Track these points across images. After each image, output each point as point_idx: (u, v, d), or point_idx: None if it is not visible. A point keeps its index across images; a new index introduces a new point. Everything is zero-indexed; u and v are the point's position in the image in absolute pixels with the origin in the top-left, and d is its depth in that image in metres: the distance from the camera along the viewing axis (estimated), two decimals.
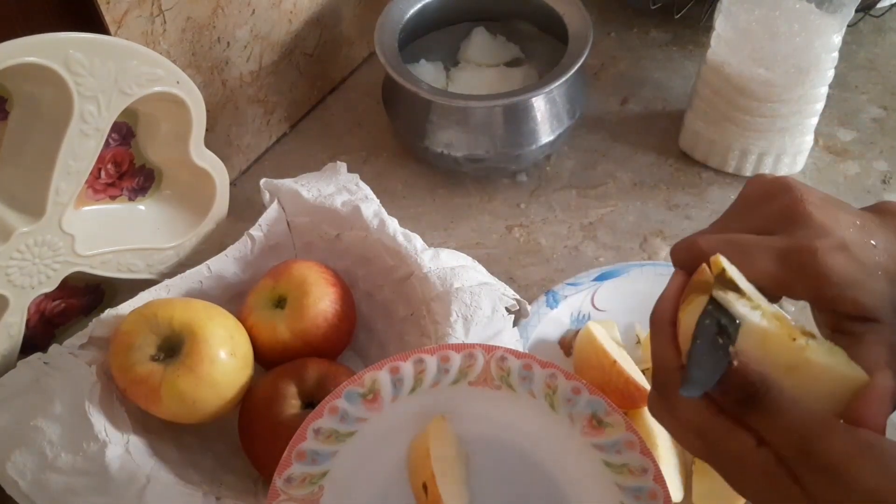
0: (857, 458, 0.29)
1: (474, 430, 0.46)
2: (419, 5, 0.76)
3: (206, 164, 0.60)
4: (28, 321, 0.56)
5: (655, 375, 0.37)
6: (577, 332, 0.62)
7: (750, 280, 0.36)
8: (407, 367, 0.47)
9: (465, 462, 0.45)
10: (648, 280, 0.63)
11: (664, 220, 0.72)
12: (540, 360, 0.47)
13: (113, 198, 0.60)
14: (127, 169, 0.59)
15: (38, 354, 0.52)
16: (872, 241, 0.36)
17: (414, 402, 0.46)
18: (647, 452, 0.43)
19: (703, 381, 0.32)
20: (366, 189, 0.62)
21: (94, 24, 0.56)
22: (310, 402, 0.52)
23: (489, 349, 0.47)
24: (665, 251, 0.69)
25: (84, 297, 0.62)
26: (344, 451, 0.44)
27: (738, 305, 0.34)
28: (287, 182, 0.61)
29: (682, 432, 0.35)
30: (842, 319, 0.36)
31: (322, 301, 0.55)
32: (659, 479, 0.42)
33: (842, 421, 0.31)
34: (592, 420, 0.45)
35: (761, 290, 0.36)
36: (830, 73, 0.68)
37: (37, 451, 0.47)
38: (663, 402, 0.36)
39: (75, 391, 0.49)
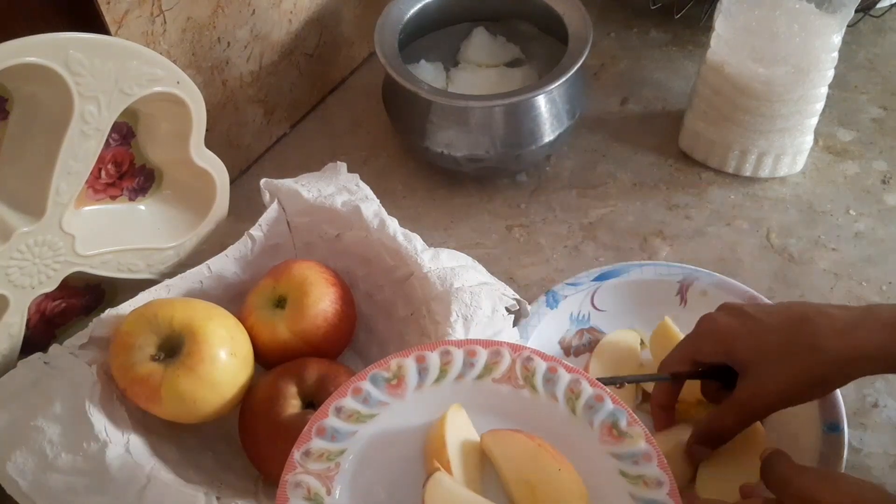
0: (820, 484, 0.42)
1: (494, 426, 0.46)
2: (419, 5, 0.76)
3: (207, 164, 0.60)
4: (28, 321, 0.56)
5: None
6: (579, 332, 0.62)
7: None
8: (433, 357, 0.47)
9: (480, 451, 0.46)
10: (648, 280, 0.63)
11: (664, 221, 0.72)
12: (566, 364, 0.47)
13: (113, 198, 0.60)
14: (127, 169, 0.59)
15: (38, 354, 0.52)
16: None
17: (437, 392, 0.46)
18: (664, 466, 0.43)
19: None
20: (366, 189, 0.62)
21: (95, 24, 0.56)
22: (310, 402, 0.52)
23: (516, 348, 0.48)
24: (665, 251, 0.69)
25: (84, 296, 0.62)
26: (363, 432, 0.45)
27: None
28: (287, 182, 0.62)
29: None
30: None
31: (322, 301, 0.55)
32: (674, 493, 0.42)
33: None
34: (612, 429, 0.45)
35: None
36: (830, 73, 0.68)
37: (37, 451, 0.47)
38: None
39: (75, 391, 0.49)
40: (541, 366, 0.47)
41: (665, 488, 0.43)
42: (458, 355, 0.47)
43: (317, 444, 0.44)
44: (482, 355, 0.47)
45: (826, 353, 0.46)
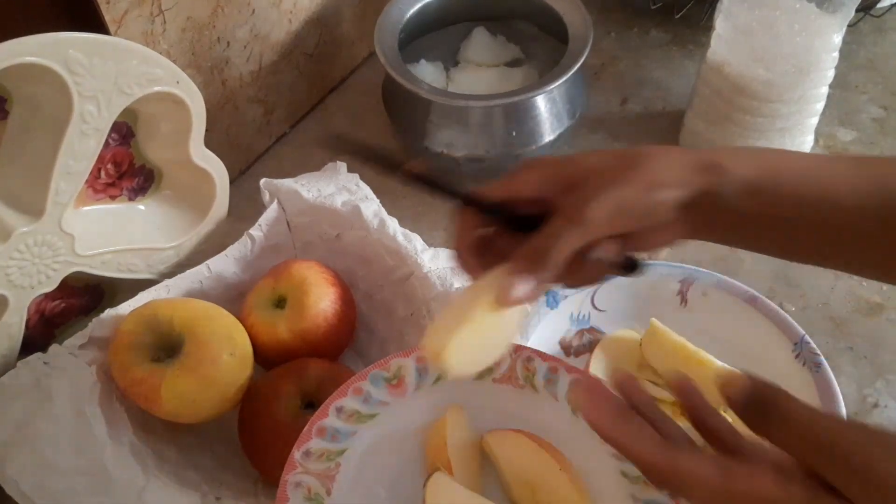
0: (872, 447, 0.30)
1: (495, 425, 0.46)
2: (419, 5, 0.76)
3: (206, 163, 0.60)
4: (28, 321, 0.56)
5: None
6: (579, 332, 0.62)
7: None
8: None
9: (479, 451, 0.46)
10: (648, 280, 0.63)
11: None
12: (567, 364, 0.47)
13: (113, 198, 0.60)
14: (127, 169, 0.59)
15: (38, 354, 0.52)
16: None
17: (437, 392, 0.46)
18: None
19: None
20: (366, 189, 0.62)
21: (94, 23, 0.56)
22: (310, 402, 0.52)
23: (517, 348, 0.48)
24: (665, 251, 0.69)
25: (84, 297, 0.62)
26: (364, 431, 0.45)
27: None
28: (287, 182, 0.61)
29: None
30: None
31: (322, 301, 0.55)
32: None
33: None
34: None
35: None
36: (830, 73, 0.68)
37: (37, 452, 0.47)
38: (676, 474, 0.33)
39: (75, 391, 0.49)
40: (541, 366, 0.47)
41: None
42: None
43: (317, 444, 0.44)
44: None
45: (660, 178, 0.38)
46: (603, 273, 0.41)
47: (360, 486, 0.44)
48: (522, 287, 0.38)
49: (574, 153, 0.41)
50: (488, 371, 0.47)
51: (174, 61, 0.55)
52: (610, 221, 0.38)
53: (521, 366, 0.47)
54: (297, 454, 0.43)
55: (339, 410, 0.45)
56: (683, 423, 0.56)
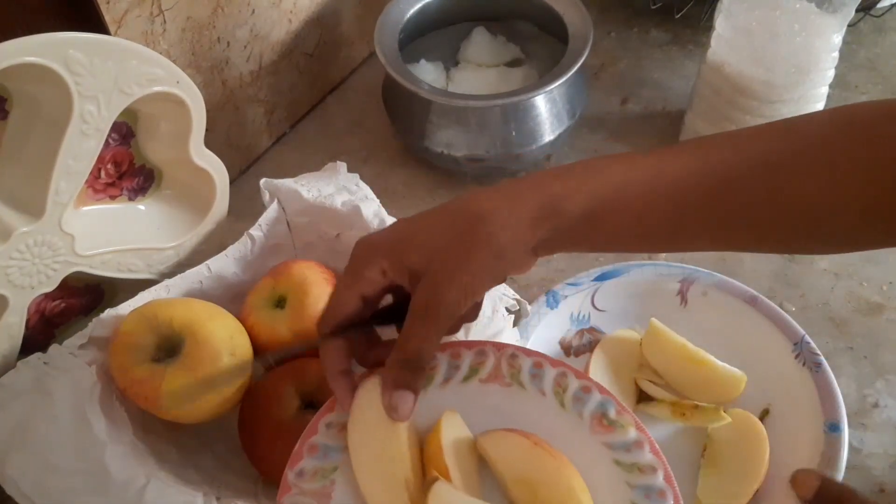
0: None
1: (485, 426, 0.46)
2: (419, 5, 0.76)
3: (206, 163, 0.60)
4: (28, 321, 0.56)
5: None
6: (579, 332, 0.62)
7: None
8: None
9: (476, 455, 0.45)
10: (648, 280, 0.63)
11: None
12: (551, 358, 0.47)
13: (113, 198, 0.60)
14: (127, 169, 0.59)
15: (38, 354, 0.52)
16: None
17: (425, 398, 0.46)
18: (656, 452, 0.43)
19: None
20: (366, 189, 0.62)
21: (94, 23, 0.56)
22: (310, 402, 0.52)
23: (500, 347, 0.47)
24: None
25: (84, 297, 0.62)
26: None
27: None
28: (287, 182, 0.61)
29: None
30: None
31: (322, 301, 0.55)
32: (668, 478, 0.42)
33: None
34: (602, 419, 0.45)
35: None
36: (830, 73, 0.68)
37: (37, 452, 0.47)
38: None
39: (75, 391, 0.49)
40: (526, 362, 0.47)
41: (660, 474, 0.43)
42: (443, 359, 0.47)
43: (309, 463, 0.43)
44: (466, 357, 0.47)
45: (499, 243, 0.40)
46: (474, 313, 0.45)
47: (358, 502, 0.43)
48: (407, 401, 0.41)
49: (406, 225, 0.43)
50: (474, 371, 0.47)
51: (174, 61, 0.55)
52: (465, 301, 0.40)
53: (505, 363, 0.47)
54: (290, 475, 0.42)
55: (329, 426, 0.44)
56: (682, 424, 0.56)
